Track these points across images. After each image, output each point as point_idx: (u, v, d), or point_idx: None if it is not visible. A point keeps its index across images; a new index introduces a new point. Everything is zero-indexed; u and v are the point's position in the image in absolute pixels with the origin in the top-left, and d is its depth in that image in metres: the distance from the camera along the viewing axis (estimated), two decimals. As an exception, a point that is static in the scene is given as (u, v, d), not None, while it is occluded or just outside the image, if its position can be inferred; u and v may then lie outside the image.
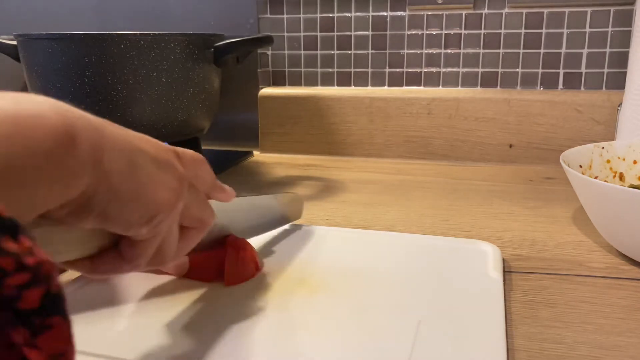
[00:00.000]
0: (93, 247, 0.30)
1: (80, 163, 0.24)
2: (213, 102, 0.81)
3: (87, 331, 0.37)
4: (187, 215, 0.34)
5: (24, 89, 1.08)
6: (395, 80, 0.91)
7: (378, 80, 0.92)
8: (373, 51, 0.91)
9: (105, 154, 0.26)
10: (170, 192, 0.30)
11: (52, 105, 0.25)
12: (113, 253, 0.31)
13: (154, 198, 0.29)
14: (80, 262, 0.31)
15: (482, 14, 0.85)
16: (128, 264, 0.31)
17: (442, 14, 0.87)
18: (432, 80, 0.90)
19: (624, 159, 0.61)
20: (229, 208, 0.45)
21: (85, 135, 0.25)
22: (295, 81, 0.96)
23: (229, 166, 0.87)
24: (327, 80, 0.94)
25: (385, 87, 0.92)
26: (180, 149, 0.34)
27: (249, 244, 0.46)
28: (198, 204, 0.35)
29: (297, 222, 0.58)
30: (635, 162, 0.61)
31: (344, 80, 0.93)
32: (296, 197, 0.57)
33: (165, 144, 0.32)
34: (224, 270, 0.44)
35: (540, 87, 0.86)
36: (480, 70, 0.87)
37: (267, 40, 0.79)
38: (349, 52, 0.92)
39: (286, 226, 0.55)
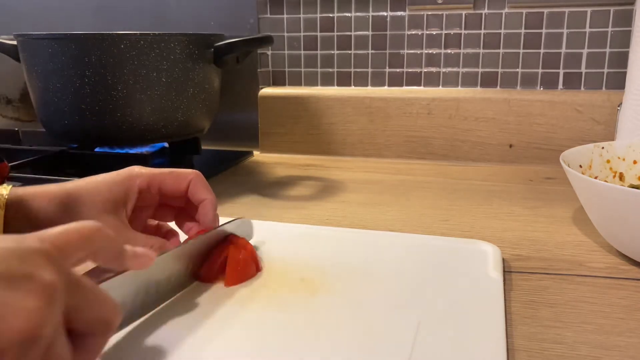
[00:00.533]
0: None
1: None
2: (213, 102, 0.81)
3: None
4: (81, 320, 0.27)
5: (24, 88, 1.08)
6: (395, 80, 0.91)
7: (378, 80, 0.92)
8: (373, 51, 0.91)
9: None
10: (24, 318, 0.23)
11: None
12: None
13: None
14: None
15: (482, 14, 0.85)
16: None
17: (442, 14, 0.87)
18: (432, 80, 0.90)
19: (624, 159, 0.61)
20: (157, 269, 0.39)
21: None
22: (295, 81, 0.96)
23: (229, 166, 0.87)
24: (327, 80, 0.94)
25: (385, 87, 0.92)
26: (58, 233, 0.27)
27: (249, 244, 0.46)
28: (94, 305, 0.27)
29: (297, 222, 0.58)
30: (635, 162, 0.61)
31: (344, 80, 0.93)
32: (243, 222, 0.51)
33: (31, 245, 0.25)
34: (225, 271, 0.44)
35: (540, 87, 0.86)
36: (480, 70, 0.87)
37: (267, 40, 0.79)
38: (349, 52, 0.92)
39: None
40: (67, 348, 0.26)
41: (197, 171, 0.47)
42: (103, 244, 0.30)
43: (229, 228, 0.47)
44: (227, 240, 0.46)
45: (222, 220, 0.48)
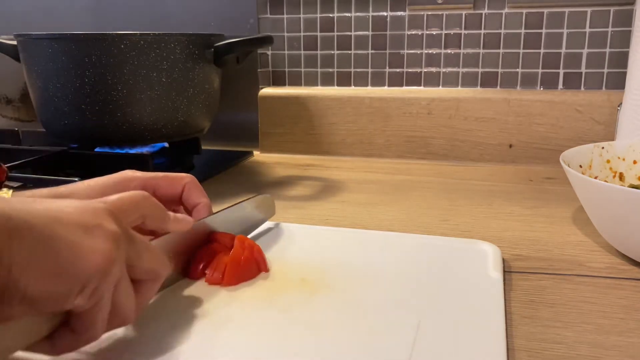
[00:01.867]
0: (42, 330, 0.30)
1: None
2: (213, 102, 0.81)
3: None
4: (136, 268, 0.33)
5: (24, 89, 1.08)
6: (395, 80, 0.91)
7: (378, 80, 0.92)
8: (373, 51, 0.91)
9: (14, 241, 0.26)
10: (100, 256, 0.29)
11: None
12: (65, 329, 0.31)
13: (81, 267, 0.28)
14: (38, 345, 0.30)
15: (482, 14, 0.85)
16: (82, 336, 0.31)
17: (442, 14, 0.87)
18: (432, 80, 0.90)
19: (624, 159, 0.61)
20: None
21: None
22: (295, 81, 0.96)
23: (229, 166, 0.87)
24: (327, 80, 0.94)
25: (385, 87, 0.92)
26: (115, 199, 0.34)
27: (256, 245, 0.46)
28: (145, 257, 0.34)
29: (297, 222, 0.58)
30: (635, 162, 0.61)
31: (344, 80, 0.93)
32: (265, 198, 0.56)
33: (96, 205, 0.32)
34: (226, 271, 0.43)
35: (540, 87, 0.86)
36: (480, 70, 0.87)
37: (267, 40, 0.79)
38: (349, 52, 0.92)
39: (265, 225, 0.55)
40: (130, 287, 0.33)
41: (191, 175, 0.48)
42: (150, 208, 0.37)
43: (247, 206, 0.50)
44: (234, 240, 0.46)
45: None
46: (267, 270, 0.46)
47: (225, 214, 0.48)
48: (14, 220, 0.26)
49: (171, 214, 0.39)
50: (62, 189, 0.43)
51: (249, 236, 0.52)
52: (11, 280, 0.26)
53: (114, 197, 0.34)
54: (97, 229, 0.30)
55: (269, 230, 0.55)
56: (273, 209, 0.57)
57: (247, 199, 0.52)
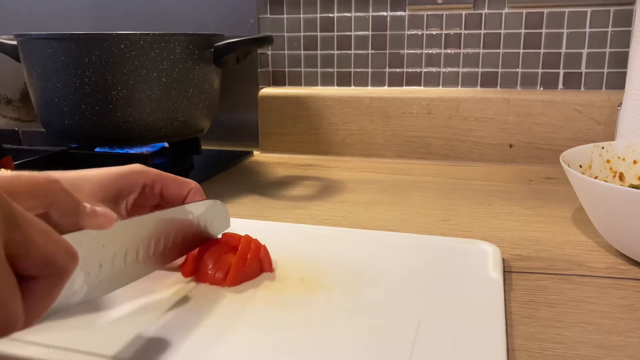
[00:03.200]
0: None
1: None
2: (213, 102, 0.81)
3: (86, 331, 0.37)
4: (24, 259, 0.25)
5: (24, 89, 1.08)
6: (395, 80, 0.91)
7: (378, 80, 0.92)
8: (373, 51, 0.91)
9: None
10: None
11: None
12: None
13: None
14: None
15: (482, 14, 0.85)
16: None
17: (442, 14, 0.87)
18: (432, 80, 0.90)
19: (624, 159, 0.61)
20: (120, 235, 0.36)
21: None
22: (295, 81, 0.96)
23: (229, 166, 0.87)
24: (327, 80, 0.94)
25: (385, 87, 0.92)
26: (10, 176, 0.27)
27: (263, 246, 0.46)
28: (38, 243, 0.25)
29: (297, 222, 0.57)
30: (635, 162, 0.61)
31: (344, 80, 0.93)
32: (215, 203, 0.48)
33: None
34: (230, 271, 0.43)
35: (540, 87, 0.86)
36: (480, 70, 0.87)
37: (267, 40, 0.79)
38: (349, 52, 0.92)
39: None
40: (10, 284, 0.24)
41: (197, 183, 0.48)
42: (58, 197, 0.29)
43: (192, 210, 0.44)
44: (240, 240, 0.46)
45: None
46: (271, 270, 0.46)
47: (162, 215, 0.41)
48: None
49: (88, 206, 0.31)
50: (72, 173, 0.43)
51: (266, 235, 0.49)
52: None
53: (10, 172, 0.27)
54: None
55: (269, 230, 0.55)
56: (227, 221, 0.49)
57: (189, 204, 0.45)
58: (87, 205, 0.31)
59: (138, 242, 0.38)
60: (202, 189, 0.48)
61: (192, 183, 0.47)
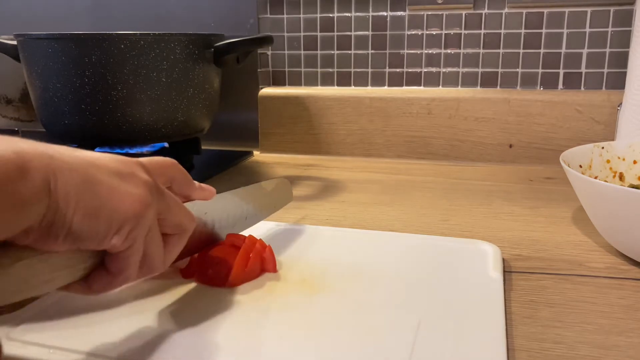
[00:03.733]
0: (80, 269, 0.31)
1: (33, 191, 0.26)
2: (213, 102, 0.81)
3: (86, 331, 0.37)
4: (165, 221, 0.35)
5: (24, 89, 1.08)
6: (395, 80, 0.91)
7: (378, 80, 0.92)
8: (373, 51, 0.91)
9: (59, 178, 0.27)
10: (135, 201, 0.31)
11: (6, 142, 0.26)
12: (101, 270, 0.32)
13: (118, 209, 0.30)
14: (73, 285, 0.32)
15: (482, 14, 0.85)
16: (117, 277, 0.32)
17: (442, 14, 0.87)
18: (432, 80, 0.90)
19: (624, 159, 0.61)
20: (217, 205, 0.46)
21: (36, 164, 0.26)
22: (295, 81, 0.96)
23: (229, 166, 0.87)
24: (327, 80, 0.94)
25: (385, 87, 0.92)
26: (146, 159, 0.36)
27: (268, 246, 0.46)
28: (174, 210, 0.36)
29: (297, 222, 0.57)
30: (635, 162, 0.61)
31: (344, 80, 0.93)
32: (282, 181, 0.57)
33: (128, 158, 0.34)
34: (231, 272, 0.43)
35: (540, 87, 0.86)
36: (480, 70, 0.87)
37: (267, 40, 0.79)
38: (349, 52, 0.92)
39: (280, 211, 0.57)
40: (159, 238, 0.34)
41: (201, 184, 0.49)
42: (177, 174, 0.39)
43: (265, 187, 0.53)
44: (244, 240, 0.46)
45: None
46: (275, 271, 0.46)
47: (244, 191, 0.50)
48: (56, 160, 0.27)
49: (195, 182, 0.41)
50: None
51: (267, 235, 0.53)
52: (59, 214, 0.27)
53: (145, 158, 0.36)
54: (131, 176, 0.32)
55: (269, 230, 0.55)
56: (290, 195, 0.58)
57: (262, 182, 0.54)
58: (196, 182, 0.42)
59: (223, 212, 0.47)
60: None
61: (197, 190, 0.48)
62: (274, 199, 0.55)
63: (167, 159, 0.38)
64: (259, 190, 0.52)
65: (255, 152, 0.97)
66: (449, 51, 0.88)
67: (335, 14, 0.91)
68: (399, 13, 0.89)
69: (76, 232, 0.28)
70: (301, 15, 0.92)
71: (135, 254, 0.32)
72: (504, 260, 0.49)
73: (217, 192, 0.48)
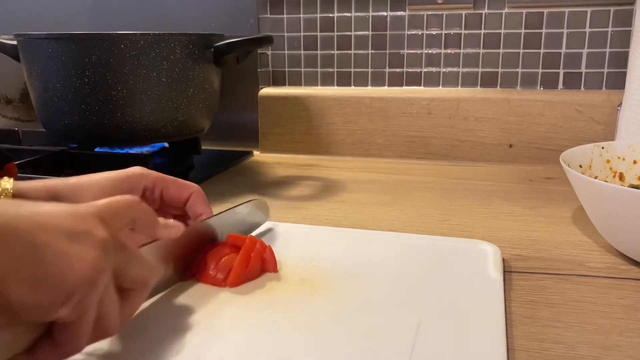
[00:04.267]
0: (21, 341, 0.28)
1: None
2: (213, 102, 0.81)
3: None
4: (124, 277, 0.32)
5: (24, 89, 1.08)
6: (395, 80, 0.91)
7: (378, 80, 0.92)
8: (373, 51, 0.91)
9: None
10: (86, 266, 0.28)
11: None
12: (48, 341, 0.29)
13: (67, 276, 0.27)
14: (17, 359, 0.29)
15: (482, 14, 0.85)
16: (65, 348, 0.29)
17: (442, 14, 0.87)
18: (432, 80, 0.90)
19: (624, 159, 0.61)
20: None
21: None
22: (295, 81, 0.96)
23: (229, 166, 0.87)
24: (327, 80, 0.94)
25: (385, 87, 0.92)
26: (106, 204, 0.32)
27: (268, 246, 0.46)
28: (135, 264, 0.33)
29: (297, 222, 0.57)
30: (635, 162, 0.61)
31: (344, 80, 0.93)
32: (259, 202, 0.55)
33: (86, 210, 0.30)
34: (231, 272, 0.43)
35: (540, 87, 0.86)
36: (480, 70, 0.87)
37: (267, 40, 0.79)
38: (349, 52, 0.92)
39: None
40: (115, 297, 0.31)
41: (199, 186, 0.48)
42: (141, 214, 0.35)
43: (239, 211, 0.51)
44: (245, 240, 0.46)
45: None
46: (276, 271, 0.46)
47: (219, 218, 0.48)
48: None
49: (161, 219, 0.38)
50: (73, 179, 0.43)
51: (266, 234, 0.53)
52: None
53: (104, 200, 0.32)
54: (85, 235, 0.28)
55: (269, 230, 0.55)
56: (267, 213, 0.56)
57: (242, 204, 0.52)
58: (161, 219, 0.38)
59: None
60: (203, 191, 0.48)
61: (193, 186, 0.47)
62: (247, 225, 0.53)
63: (129, 198, 0.34)
64: (232, 216, 0.50)
65: (255, 152, 0.97)
66: (449, 51, 0.88)
67: (335, 14, 0.91)
68: (399, 13, 0.89)
69: (17, 305, 0.25)
70: (301, 15, 0.92)
71: (87, 323, 0.29)
72: (504, 260, 0.49)
73: (217, 192, 0.48)
